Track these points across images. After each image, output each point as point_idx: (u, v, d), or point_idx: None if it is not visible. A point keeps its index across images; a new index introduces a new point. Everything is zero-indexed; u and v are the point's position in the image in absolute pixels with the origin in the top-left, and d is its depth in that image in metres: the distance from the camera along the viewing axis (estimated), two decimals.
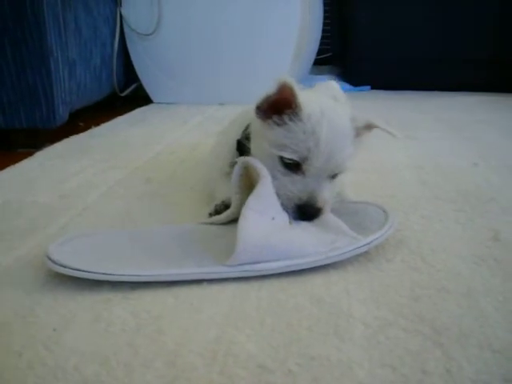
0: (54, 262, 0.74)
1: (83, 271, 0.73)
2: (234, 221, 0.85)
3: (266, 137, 0.89)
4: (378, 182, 1.25)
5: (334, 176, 0.89)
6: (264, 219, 0.80)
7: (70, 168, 1.37)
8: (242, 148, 0.98)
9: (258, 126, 0.91)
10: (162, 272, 0.74)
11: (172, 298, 0.71)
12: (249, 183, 0.87)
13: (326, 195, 0.88)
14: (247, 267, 0.75)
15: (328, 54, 3.68)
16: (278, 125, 0.87)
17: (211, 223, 0.92)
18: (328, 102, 0.92)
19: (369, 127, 0.92)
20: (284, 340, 0.61)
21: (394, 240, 0.88)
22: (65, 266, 0.73)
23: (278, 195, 0.85)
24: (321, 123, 0.85)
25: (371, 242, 0.81)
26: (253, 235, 0.76)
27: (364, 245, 0.80)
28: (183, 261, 0.77)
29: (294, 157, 0.85)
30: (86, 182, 1.24)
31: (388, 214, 0.88)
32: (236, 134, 1.03)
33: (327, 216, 0.87)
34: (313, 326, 0.64)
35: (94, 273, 0.73)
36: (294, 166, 0.86)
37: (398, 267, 0.80)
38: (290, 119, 0.86)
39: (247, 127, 1.00)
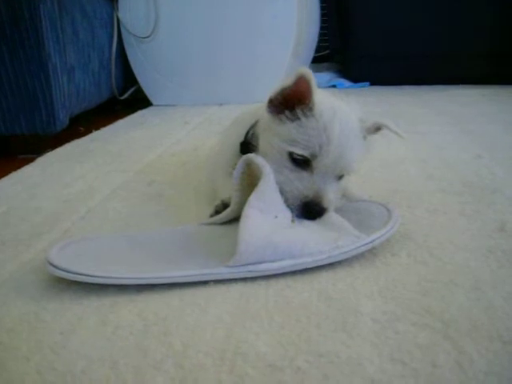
0: (55, 266, 0.73)
1: (85, 275, 0.72)
2: (236, 219, 0.85)
3: (276, 132, 0.88)
4: (382, 176, 1.24)
5: (340, 177, 0.89)
6: (266, 217, 0.79)
7: (72, 173, 1.37)
8: (246, 149, 0.97)
9: (267, 122, 0.91)
10: (164, 274, 0.73)
11: (178, 298, 0.70)
12: (251, 181, 0.87)
13: (332, 195, 0.87)
14: (250, 267, 0.74)
15: (326, 52, 3.67)
16: (290, 120, 0.87)
17: (212, 223, 0.91)
18: (339, 102, 0.92)
19: (377, 128, 0.92)
20: (293, 338, 0.61)
21: (399, 234, 0.88)
22: (66, 271, 0.73)
23: (283, 192, 0.85)
24: (333, 121, 0.85)
25: (373, 240, 0.80)
26: (255, 235, 0.75)
27: (366, 243, 0.79)
28: (186, 263, 0.77)
29: (305, 153, 0.85)
30: (88, 186, 1.24)
31: (391, 213, 0.87)
32: (239, 136, 1.03)
33: (330, 215, 0.86)
34: (321, 323, 0.64)
35: (96, 277, 0.72)
36: (302, 163, 0.86)
37: (405, 261, 0.80)
38: (303, 114, 0.85)
39: (252, 127, 1.00)
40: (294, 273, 0.76)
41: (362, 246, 0.79)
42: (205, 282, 0.74)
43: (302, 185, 0.86)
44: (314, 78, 0.84)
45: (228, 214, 0.89)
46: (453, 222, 0.95)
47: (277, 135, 0.88)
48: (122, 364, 0.57)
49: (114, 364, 0.57)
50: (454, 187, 1.14)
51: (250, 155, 0.86)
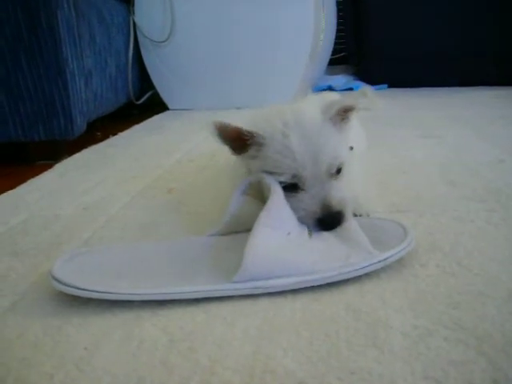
0: (57, 280, 0.73)
1: (86, 290, 0.71)
2: (246, 232, 0.82)
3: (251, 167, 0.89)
4: (402, 183, 1.22)
5: (338, 171, 0.86)
6: (277, 234, 0.78)
7: (90, 179, 1.36)
8: None
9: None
10: (166, 291, 0.71)
11: (203, 312, 0.69)
12: (261, 197, 0.87)
13: (339, 194, 0.84)
14: (256, 284, 0.72)
15: (342, 54, 3.65)
16: (254, 158, 0.87)
17: (216, 235, 0.89)
18: (292, 108, 0.89)
19: (345, 109, 0.89)
20: (322, 353, 0.59)
21: (426, 243, 0.86)
22: (68, 285, 0.72)
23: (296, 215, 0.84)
24: (288, 134, 0.83)
25: (387, 258, 0.77)
26: (262, 250, 0.73)
27: (380, 261, 0.76)
28: (191, 278, 0.75)
29: (285, 178, 0.84)
30: (107, 194, 1.23)
31: (407, 231, 0.84)
32: None
33: (350, 225, 0.83)
34: (350, 338, 0.62)
35: (98, 292, 0.71)
36: (291, 187, 0.84)
37: (433, 272, 0.77)
38: (259, 148, 0.86)
39: None
40: (320, 285, 0.74)
41: (375, 263, 0.76)
42: (230, 295, 0.72)
43: (305, 206, 0.84)
44: (224, 122, 0.83)
45: (223, 228, 0.88)
46: (480, 230, 0.92)
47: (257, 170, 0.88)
48: (148, 381, 0.56)
49: (140, 380, 0.56)
50: (478, 194, 1.11)
51: (262, 174, 0.85)
